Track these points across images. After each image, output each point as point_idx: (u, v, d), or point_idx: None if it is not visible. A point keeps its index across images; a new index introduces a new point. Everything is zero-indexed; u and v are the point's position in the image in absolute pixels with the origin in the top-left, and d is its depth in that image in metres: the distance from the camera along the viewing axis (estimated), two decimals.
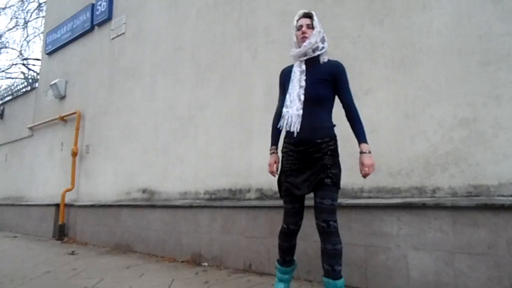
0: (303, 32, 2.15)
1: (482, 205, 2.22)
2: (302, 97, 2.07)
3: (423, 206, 2.43)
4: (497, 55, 2.41)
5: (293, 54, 2.18)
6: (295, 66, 2.19)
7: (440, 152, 2.55)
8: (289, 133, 2.14)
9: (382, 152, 2.81)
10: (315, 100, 2.09)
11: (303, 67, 2.15)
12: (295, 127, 2.05)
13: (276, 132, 2.30)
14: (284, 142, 2.22)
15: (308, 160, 2.08)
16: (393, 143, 2.77)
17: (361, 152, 2.09)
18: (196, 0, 4.57)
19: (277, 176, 2.29)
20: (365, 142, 2.10)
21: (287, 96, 2.14)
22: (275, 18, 3.71)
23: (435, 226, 2.39)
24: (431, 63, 2.67)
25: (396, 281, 2.49)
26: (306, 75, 2.13)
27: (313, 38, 2.12)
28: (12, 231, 7.21)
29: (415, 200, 2.52)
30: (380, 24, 2.97)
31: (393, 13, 2.91)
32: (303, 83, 2.10)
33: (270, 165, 2.27)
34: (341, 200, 2.85)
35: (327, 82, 2.13)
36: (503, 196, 2.27)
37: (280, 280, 2.30)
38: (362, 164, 2.08)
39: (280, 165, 2.25)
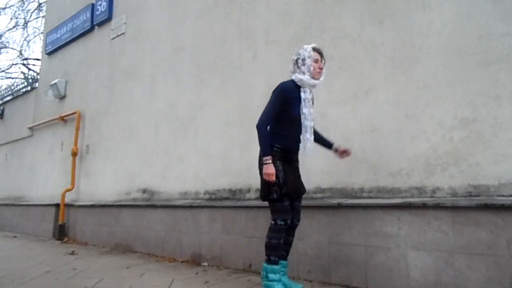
0: (320, 68, 2.48)
1: (482, 205, 2.22)
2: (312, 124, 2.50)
3: (423, 206, 2.43)
4: (497, 55, 2.41)
5: (309, 83, 2.44)
6: (305, 92, 2.46)
7: (440, 152, 2.55)
8: (290, 146, 2.47)
9: (382, 152, 2.82)
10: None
11: (311, 95, 2.51)
12: (310, 151, 2.46)
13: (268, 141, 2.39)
14: (282, 151, 2.42)
15: (296, 168, 2.55)
16: (393, 143, 2.77)
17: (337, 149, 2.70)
18: (196, 0, 4.58)
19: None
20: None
21: (303, 121, 2.43)
22: (275, 18, 3.71)
23: (435, 226, 2.39)
24: (431, 63, 2.67)
25: (396, 281, 2.49)
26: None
27: (323, 76, 2.53)
28: (12, 231, 7.21)
29: (415, 200, 2.52)
30: (380, 24, 2.97)
31: (393, 13, 2.91)
32: (312, 111, 2.48)
33: (273, 174, 2.32)
34: (341, 200, 2.86)
35: None
36: (503, 196, 2.27)
37: (279, 280, 2.38)
38: (344, 151, 2.66)
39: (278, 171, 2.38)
